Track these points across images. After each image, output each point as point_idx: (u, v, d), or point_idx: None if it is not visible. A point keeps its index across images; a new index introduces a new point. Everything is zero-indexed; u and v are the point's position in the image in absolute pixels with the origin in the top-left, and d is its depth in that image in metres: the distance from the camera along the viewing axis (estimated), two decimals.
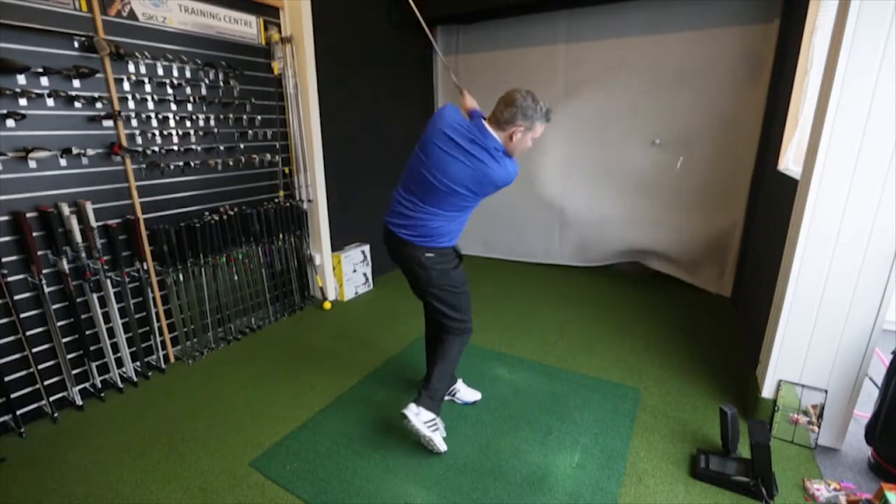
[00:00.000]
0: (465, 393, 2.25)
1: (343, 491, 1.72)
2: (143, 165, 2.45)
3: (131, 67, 2.35)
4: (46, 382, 2.16)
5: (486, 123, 1.72)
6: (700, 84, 3.39)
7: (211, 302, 2.81)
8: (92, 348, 2.32)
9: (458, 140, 1.68)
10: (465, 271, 1.99)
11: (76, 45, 2.13)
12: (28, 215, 2.03)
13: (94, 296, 2.29)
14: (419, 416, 1.87)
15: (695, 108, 3.45)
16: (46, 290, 2.11)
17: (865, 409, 1.97)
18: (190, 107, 2.62)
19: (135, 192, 2.42)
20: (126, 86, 2.34)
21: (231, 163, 2.87)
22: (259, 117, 2.98)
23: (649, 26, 3.46)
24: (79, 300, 2.25)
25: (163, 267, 2.56)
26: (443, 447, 1.89)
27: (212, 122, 2.74)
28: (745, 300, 3.10)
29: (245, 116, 2.91)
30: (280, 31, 3.06)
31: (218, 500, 1.69)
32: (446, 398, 2.22)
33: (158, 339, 2.58)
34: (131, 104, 2.36)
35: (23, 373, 2.10)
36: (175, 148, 2.58)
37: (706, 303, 3.50)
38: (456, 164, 1.68)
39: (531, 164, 4.00)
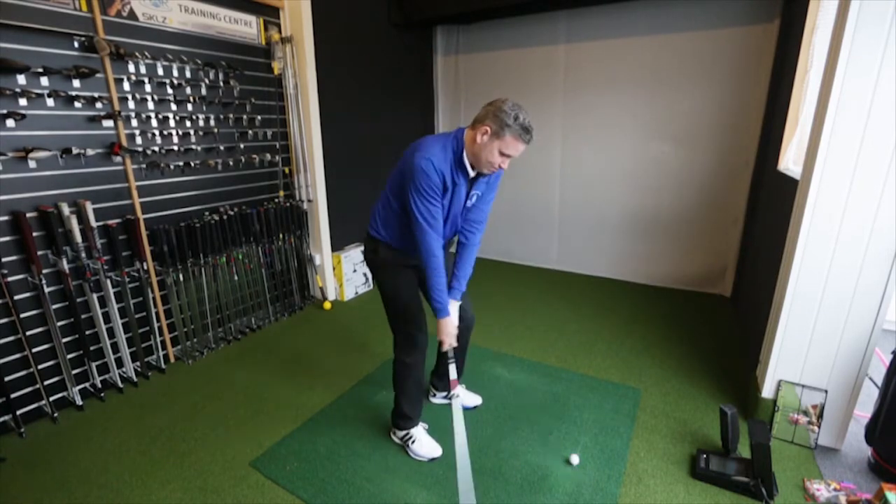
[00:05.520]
0: (466, 397, 2.23)
1: (343, 491, 1.72)
2: (143, 165, 2.46)
3: (131, 67, 2.35)
4: (46, 382, 2.16)
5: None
6: (700, 84, 3.39)
7: (211, 302, 2.81)
8: (92, 348, 2.32)
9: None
10: (411, 284, 1.83)
11: (76, 45, 2.13)
12: (28, 215, 2.03)
13: (94, 296, 2.29)
14: (395, 435, 1.98)
15: (695, 109, 3.45)
16: (46, 290, 2.11)
17: (865, 409, 1.97)
18: (190, 107, 2.62)
19: (135, 192, 2.42)
20: (126, 86, 2.34)
21: (231, 163, 2.87)
22: (259, 117, 2.98)
23: (649, 26, 3.47)
24: (79, 300, 2.25)
25: (163, 267, 2.56)
26: (429, 454, 1.89)
27: (212, 122, 2.74)
28: (745, 300, 3.10)
29: (245, 116, 2.91)
30: (280, 31, 3.06)
31: (218, 500, 1.69)
32: (445, 402, 2.22)
33: (158, 339, 2.58)
34: (131, 104, 2.36)
35: (23, 373, 2.10)
36: (175, 148, 2.58)
37: (706, 303, 3.50)
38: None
39: (529, 165, 3.99)
